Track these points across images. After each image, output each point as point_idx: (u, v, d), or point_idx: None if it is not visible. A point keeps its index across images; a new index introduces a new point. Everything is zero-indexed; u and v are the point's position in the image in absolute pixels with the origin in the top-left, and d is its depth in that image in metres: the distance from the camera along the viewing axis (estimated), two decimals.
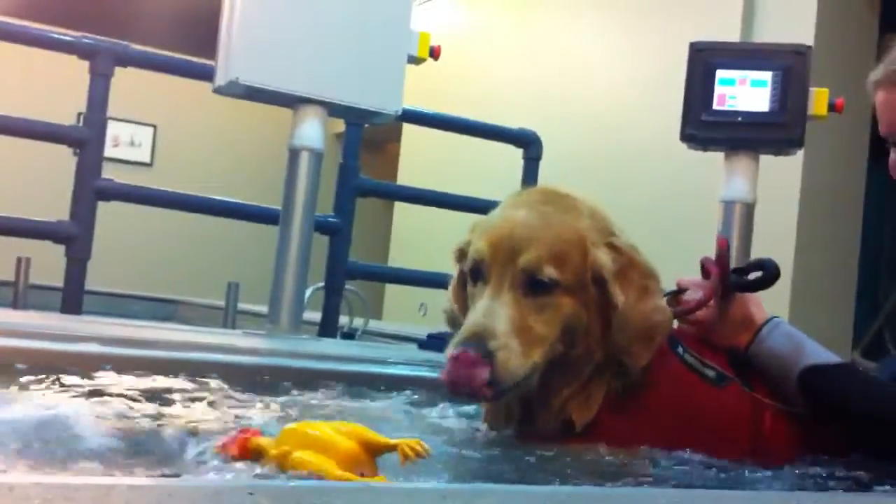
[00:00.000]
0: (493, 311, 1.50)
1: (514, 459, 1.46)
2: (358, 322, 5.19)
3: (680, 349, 1.68)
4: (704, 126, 3.38)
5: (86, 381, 1.84)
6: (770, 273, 1.75)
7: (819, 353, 1.69)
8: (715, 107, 3.34)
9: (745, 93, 3.32)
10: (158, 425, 1.48)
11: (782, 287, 5.12)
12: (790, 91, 3.29)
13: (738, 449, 1.61)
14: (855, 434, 1.69)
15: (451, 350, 1.47)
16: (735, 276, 1.77)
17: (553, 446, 1.52)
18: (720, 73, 3.34)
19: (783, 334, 1.72)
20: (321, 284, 4.63)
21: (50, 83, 8.48)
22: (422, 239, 7.41)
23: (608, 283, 1.56)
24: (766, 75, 3.31)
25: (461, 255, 1.67)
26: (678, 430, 1.59)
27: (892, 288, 1.95)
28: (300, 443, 1.12)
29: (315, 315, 4.59)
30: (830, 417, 1.68)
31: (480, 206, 4.96)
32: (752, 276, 1.79)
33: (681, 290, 1.80)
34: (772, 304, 1.81)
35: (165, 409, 1.65)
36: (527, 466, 1.44)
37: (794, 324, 1.78)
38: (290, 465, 1.09)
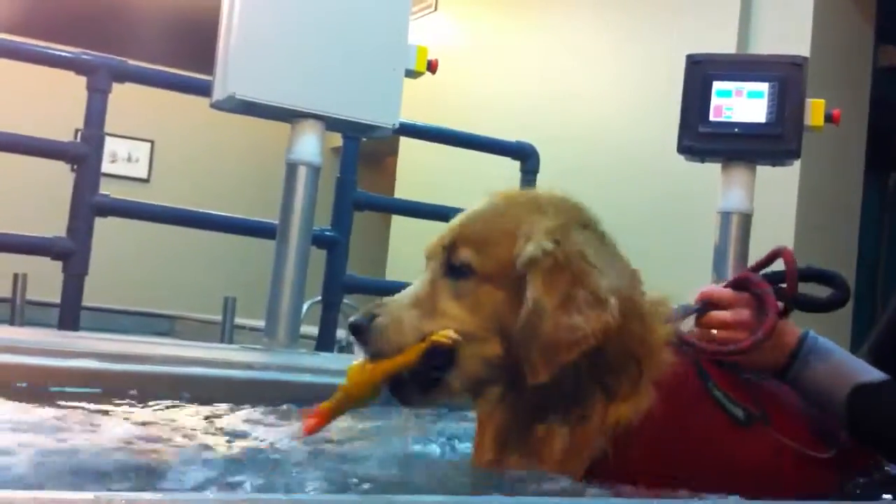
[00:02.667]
0: (407, 289, 1.47)
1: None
2: None
3: (710, 384, 1.51)
4: (701, 137, 3.39)
5: (83, 398, 1.83)
6: (844, 293, 1.59)
7: (861, 371, 1.58)
8: (712, 118, 3.35)
9: (741, 104, 3.33)
10: (156, 440, 1.47)
11: None
12: (787, 102, 3.30)
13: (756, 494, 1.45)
14: None
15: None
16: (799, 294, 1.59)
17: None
18: (717, 85, 3.35)
19: (821, 357, 1.57)
20: (318, 298, 4.62)
21: (48, 99, 8.49)
22: (419, 253, 7.38)
23: (527, 275, 1.39)
24: (763, 87, 3.32)
25: None
26: (697, 474, 1.42)
27: (889, 297, 1.87)
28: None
29: (312, 329, 4.58)
30: (878, 441, 1.58)
31: None
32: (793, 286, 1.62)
33: (708, 307, 1.61)
34: None
35: (163, 425, 1.64)
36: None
37: None
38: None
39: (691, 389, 1.49)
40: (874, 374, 1.58)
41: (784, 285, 1.62)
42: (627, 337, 1.41)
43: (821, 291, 1.66)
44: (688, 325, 1.63)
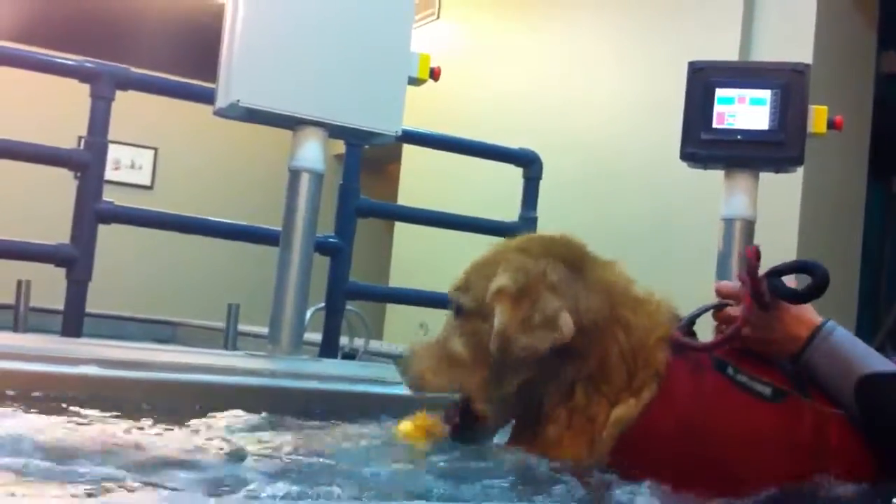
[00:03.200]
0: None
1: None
2: (359, 342, 5.19)
3: (730, 370, 1.60)
4: (704, 144, 3.38)
5: (86, 404, 1.83)
6: (820, 281, 1.61)
7: (872, 363, 1.59)
8: (714, 125, 3.35)
9: (744, 111, 3.33)
10: (160, 446, 1.47)
11: None
12: (789, 109, 3.30)
13: (800, 466, 1.53)
14: None
15: None
16: (774, 284, 1.64)
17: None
18: (719, 92, 3.35)
19: (832, 347, 1.62)
20: (322, 305, 4.62)
21: (50, 107, 8.51)
22: (422, 259, 7.40)
23: (494, 301, 1.58)
24: (765, 94, 3.32)
25: None
26: (728, 453, 1.52)
27: (893, 302, 1.88)
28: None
29: (316, 336, 4.58)
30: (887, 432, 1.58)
31: (481, 226, 4.98)
32: (785, 278, 1.68)
33: (724, 304, 1.70)
34: None
35: (167, 431, 1.64)
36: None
37: None
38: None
39: (704, 377, 1.59)
40: (886, 366, 1.60)
41: (783, 278, 1.69)
42: (610, 346, 1.57)
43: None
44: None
